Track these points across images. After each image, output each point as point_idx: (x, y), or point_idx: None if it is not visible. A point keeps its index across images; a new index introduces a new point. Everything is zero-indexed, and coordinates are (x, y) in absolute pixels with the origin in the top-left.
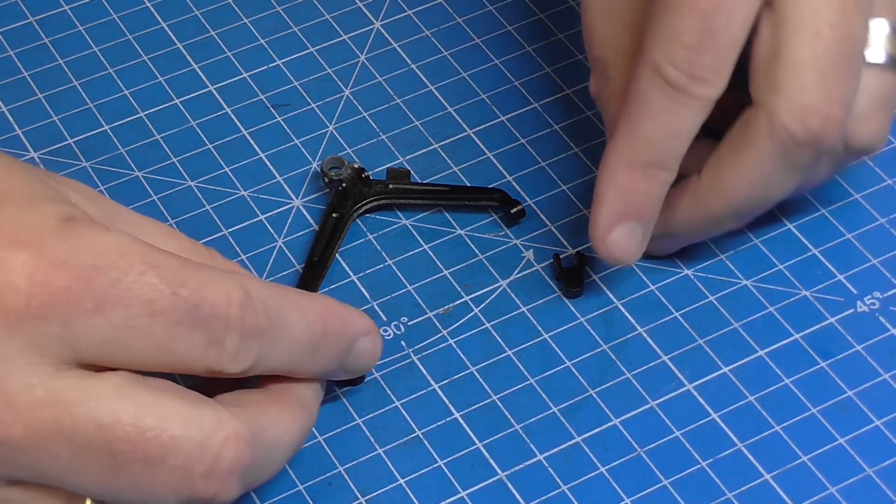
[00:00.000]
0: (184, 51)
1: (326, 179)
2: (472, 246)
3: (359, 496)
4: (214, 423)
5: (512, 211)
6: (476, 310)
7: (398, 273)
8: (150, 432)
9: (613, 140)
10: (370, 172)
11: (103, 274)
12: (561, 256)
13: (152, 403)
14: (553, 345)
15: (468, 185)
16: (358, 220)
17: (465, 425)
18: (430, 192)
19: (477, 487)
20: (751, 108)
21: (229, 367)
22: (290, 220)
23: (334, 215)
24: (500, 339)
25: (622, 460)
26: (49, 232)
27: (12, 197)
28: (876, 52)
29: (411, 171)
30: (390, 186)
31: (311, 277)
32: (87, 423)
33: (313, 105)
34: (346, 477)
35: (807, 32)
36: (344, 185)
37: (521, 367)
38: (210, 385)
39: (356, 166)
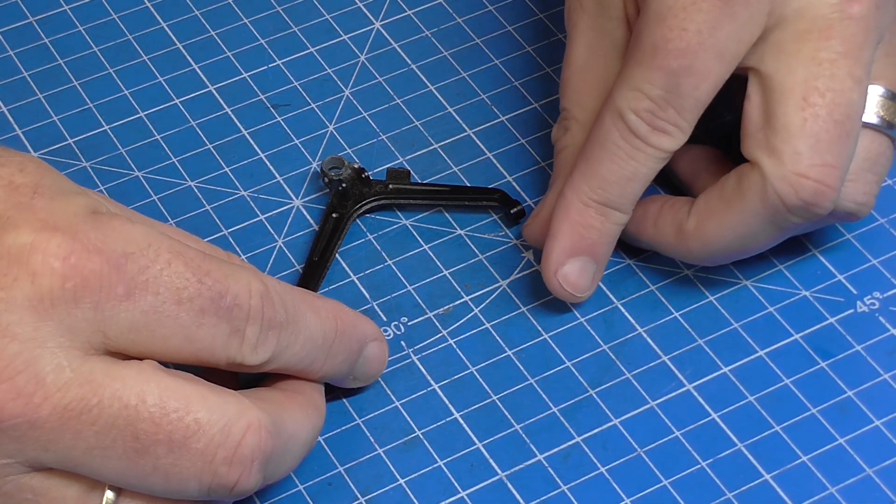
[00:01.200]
0: (184, 51)
1: (326, 179)
2: (472, 246)
3: (359, 496)
4: (237, 410)
5: (512, 211)
6: (476, 310)
7: (398, 273)
8: (174, 414)
9: (571, 178)
10: (370, 172)
11: (133, 261)
12: None
13: (177, 388)
14: (553, 345)
15: (468, 185)
16: (358, 220)
17: (465, 425)
18: (430, 192)
19: (477, 487)
20: (746, 165)
21: (249, 358)
22: (290, 220)
23: (334, 215)
24: (500, 339)
25: (622, 460)
26: (80, 220)
27: (43, 189)
28: (867, 115)
29: (411, 171)
30: (390, 186)
31: (311, 277)
32: (113, 404)
33: (313, 105)
34: (346, 477)
35: (795, 99)
36: (344, 185)
37: (521, 367)
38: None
39: (356, 166)
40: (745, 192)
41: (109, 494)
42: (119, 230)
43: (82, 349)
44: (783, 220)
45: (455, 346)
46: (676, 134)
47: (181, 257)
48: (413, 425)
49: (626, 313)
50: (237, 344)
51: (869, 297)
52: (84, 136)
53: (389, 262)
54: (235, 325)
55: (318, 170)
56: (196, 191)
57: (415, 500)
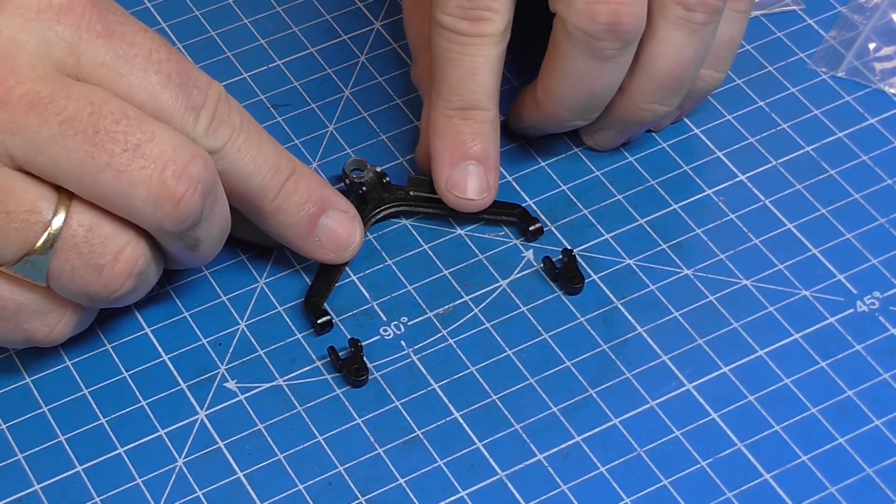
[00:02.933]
0: (184, 51)
1: (348, 181)
2: (472, 246)
3: (359, 496)
4: (188, 141)
5: (530, 228)
6: (476, 310)
7: (398, 273)
8: (133, 120)
9: (429, 99)
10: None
11: (115, 13)
12: (551, 259)
13: (136, 109)
14: (553, 345)
15: None
16: None
17: (465, 425)
18: None
19: (477, 487)
20: (554, 20)
21: (202, 139)
22: None
23: None
24: (500, 339)
25: (622, 460)
26: None
27: None
28: None
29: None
30: (411, 193)
31: (323, 280)
32: (80, 100)
33: (313, 105)
34: (346, 477)
35: None
36: (364, 188)
37: (521, 367)
38: None
39: (378, 170)
40: (556, 40)
41: (59, 215)
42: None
43: (56, 64)
44: (596, 50)
45: (455, 346)
46: (494, 17)
47: (154, 34)
48: (413, 425)
49: (626, 313)
50: (192, 120)
51: (869, 296)
52: None
53: (389, 261)
54: (193, 103)
55: (341, 171)
56: None
57: (415, 500)
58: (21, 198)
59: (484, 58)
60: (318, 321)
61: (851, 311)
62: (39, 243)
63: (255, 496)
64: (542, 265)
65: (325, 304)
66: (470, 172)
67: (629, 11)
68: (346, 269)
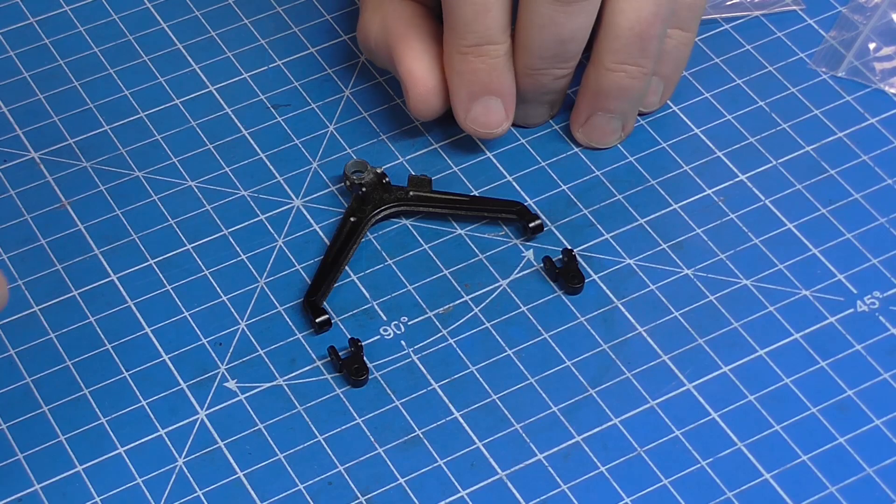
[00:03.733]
0: (184, 51)
1: (348, 182)
2: (472, 246)
3: (359, 496)
4: None
5: (530, 225)
6: (476, 309)
7: (398, 273)
8: None
9: (443, 38)
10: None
11: None
12: (551, 259)
13: None
14: (553, 344)
15: (470, 187)
16: None
17: (465, 425)
18: (450, 201)
19: (477, 487)
20: None
21: None
22: (290, 220)
23: (352, 219)
24: (500, 339)
25: (622, 460)
26: None
27: None
28: None
29: (432, 180)
30: (411, 193)
31: (323, 279)
32: None
33: (313, 105)
34: (346, 477)
35: None
36: (364, 189)
37: (521, 367)
38: None
39: (378, 171)
40: None
41: None
42: None
43: None
44: None
45: (455, 346)
46: None
47: None
48: (413, 425)
49: (626, 313)
50: None
51: (869, 296)
52: (84, 136)
53: (389, 261)
54: None
55: (341, 171)
56: (196, 191)
57: (415, 500)
58: None
59: None
60: (317, 320)
61: (851, 310)
62: None
63: (255, 496)
64: (542, 265)
65: (325, 304)
66: (490, 106)
67: None
68: (346, 268)
